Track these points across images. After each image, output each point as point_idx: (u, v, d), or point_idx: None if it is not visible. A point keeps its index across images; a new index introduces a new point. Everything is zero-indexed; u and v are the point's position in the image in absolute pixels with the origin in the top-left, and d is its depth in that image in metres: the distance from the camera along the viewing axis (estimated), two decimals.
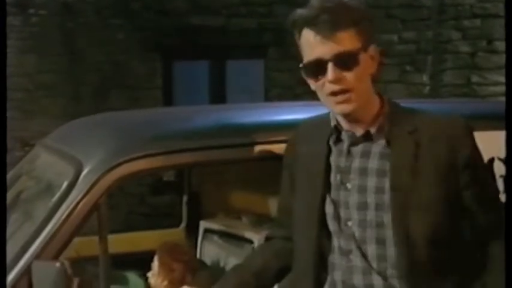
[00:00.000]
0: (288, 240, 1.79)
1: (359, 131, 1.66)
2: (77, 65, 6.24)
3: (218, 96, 6.35)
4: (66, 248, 1.84)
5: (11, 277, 1.76)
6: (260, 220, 2.71)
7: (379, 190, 1.62)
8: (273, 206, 2.67)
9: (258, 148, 2.02)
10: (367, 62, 1.62)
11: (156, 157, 1.92)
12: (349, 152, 1.67)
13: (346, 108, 1.61)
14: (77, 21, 6.22)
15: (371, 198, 1.62)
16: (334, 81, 1.59)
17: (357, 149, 1.66)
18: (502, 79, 5.93)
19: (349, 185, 1.65)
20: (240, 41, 6.27)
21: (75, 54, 6.23)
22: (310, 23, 1.60)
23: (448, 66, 5.99)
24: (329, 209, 1.67)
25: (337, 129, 1.69)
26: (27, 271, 1.75)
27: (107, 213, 1.86)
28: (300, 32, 1.65)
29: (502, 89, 5.92)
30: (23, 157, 2.66)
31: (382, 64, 1.69)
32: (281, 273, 1.81)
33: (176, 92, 6.51)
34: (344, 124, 1.67)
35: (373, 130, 1.65)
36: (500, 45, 5.91)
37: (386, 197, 1.61)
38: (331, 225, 1.67)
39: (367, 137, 1.65)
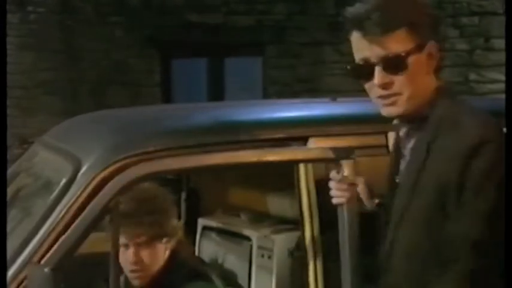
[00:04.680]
0: None
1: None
2: (75, 62, 6.23)
3: (216, 93, 6.35)
4: None
5: (8, 275, 1.75)
6: (259, 217, 2.71)
7: None
8: (271, 203, 2.67)
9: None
10: (422, 62, 1.51)
11: (154, 154, 1.91)
12: (403, 154, 1.65)
13: (393, 111, 1.54)
14: (75, 19, 6.22)
15: None
16: (382, 86, 1.51)
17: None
18: (500, 77, 5.93)
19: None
20: (238, 39, 6.27)
21: (73, 51, 6.22)
22: (357, 24, 1.50)
23: (445, 64, 5.98)
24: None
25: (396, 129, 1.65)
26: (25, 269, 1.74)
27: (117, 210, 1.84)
28: (350, 31, 1.56)
29: (500, 86, 5.92)
30: (21, 154, 2.65)
31: (442, 60, 1.58)
32: None
33: (175, 89, 6.51)
34: None
35: (403, 131, 1.60)
36: (498, 43, 5.91)
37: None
38: None
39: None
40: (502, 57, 5.90)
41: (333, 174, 1.81)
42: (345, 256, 1.78)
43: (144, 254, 2.24)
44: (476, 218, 1.43)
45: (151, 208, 2.26)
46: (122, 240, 2.22)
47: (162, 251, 2.29)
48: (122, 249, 2.24)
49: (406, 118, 1.57)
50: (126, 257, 2.24)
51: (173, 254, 2.32)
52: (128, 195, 2.17)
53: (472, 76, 5.99)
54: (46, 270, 1.62)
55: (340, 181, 1.77)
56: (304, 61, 6.11)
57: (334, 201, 1.79)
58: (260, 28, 6.25)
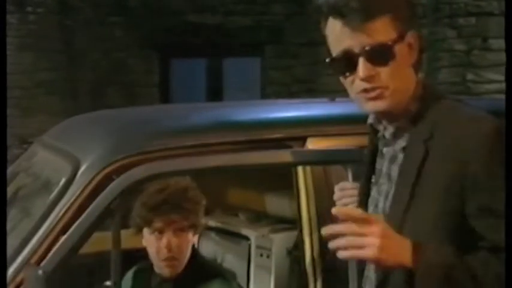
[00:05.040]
0: None
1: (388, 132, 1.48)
2: (74, 62, 6.22)
3: (215, 93, 6.34)
4: None
5: (8, 274, 1.75)
6: (257, 217, 2.70)
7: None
8: (270, 203, 2.66)
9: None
10: (405, 53, 1.40)
11: (153, 154, 1.91)
12: (381, 153, 1.53)
13: (379, 105, 1.41)
14: (74, 19, 6.21)
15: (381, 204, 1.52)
16: (366, 78, 1.38)
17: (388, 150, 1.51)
18: (497, 77, 5.93)
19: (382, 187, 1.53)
20: (236, 39, 6.27)
21: (72, 51, 6.22)
22: (337, 11, 1.38)
23: (443, 64, 5.99)
24: (368, 210, 1.55)
25: (373, 127, 1.52)
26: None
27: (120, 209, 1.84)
28: (325, 20, 1.43)
29: (497, 86, 5.93)
30: (21, 154, 2.64)
31: (423, 51, 1.46)
32: None
33: (173, 89, 6.50)
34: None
35: (390, 131, 1.47)
36: (495, 43, 5.92)
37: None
38: None
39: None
40: (499, 57, 5.90)
41: (342, 184, 1.74)
42: (353, 264, 1.73)
43: (180, 241, 2.26)
44: (502, 217, 1.35)
45: (189, 196, 2.29)
46: (158, 225, 2.25)
47: (191, 243, 2.31)
48: (154, 236, 2.27)
49: (391, 114, 1.45)
50: (161, 244, 2.26)
51: (193, 249, 2.35)
52: (160, 184, 2.21)
53: (470, 76, 6.00)
54: (40, 272, 1.62)
55: (351, 188, 1.69)
56: (302, 61, 6.11)
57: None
58: (258, 29, 6.25)
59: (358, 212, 1.33)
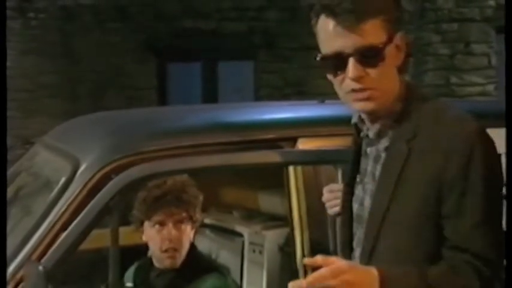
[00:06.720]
0: None
1: (372, 131, 1.45)
2: (75, 66, 6.20)
3: (210, 96, 6.33)
4: None
5: (8, 272, 1.73)
6: (250, 214, 2.70)
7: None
8: (262, 201, 2.66)
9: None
10: (393, 54, 1.38)
11: (150, 154, 1.90)
12: (365, 152, 1.51)
13: (367, 106, 1.38)
14: (75, 25, 6.19)
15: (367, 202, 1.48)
16: (356, 79, 1.35)
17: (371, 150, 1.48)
18: (479, 80, 5.96)
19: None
20: (231, 44, 6.26)
21: (73, 56, 6.20)
22: (330, 10, 1.34)
23: (428, 68, 6.01)
24: (353, 207, 1.52)
25: (357, 127, 1.49)
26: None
27: (118, 206, 1.83)
28: (317, 17, 1.40)
29: (479, 89, 5.96)
30: (23, 154, 2.63)
31: (409, 55, 1.44)
32: None
33: (170, 92, 6.49)
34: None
35: (374, 131, 1.44)
36: (477, 48, 5.95)
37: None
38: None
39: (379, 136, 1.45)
40: (481, 61, 5.93)
41: (330, 186, 1.73)
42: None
43: (180, 233, 2.28)
44: (483, 219, 1.31)
45: (187, 190, 2.32)
46: (159, 218, 2.26)
47: (189, 236, 2.32)
48: (156, 228, 2.29)
49: (375, 114, 1.42)
50: (162, 235, 2.27)
51: (191, 244, 2.35)
52: (159, 180, 2.24)
53: (453, 79, 6.01)
54: (40, 268, 1.61)
55: (339, 190, 1.65)
56: (294, 65, 6.10)
57: (337, 210, 1.66)
58: (252, 34, 6.24)
59: (332, 259, 1.30)
